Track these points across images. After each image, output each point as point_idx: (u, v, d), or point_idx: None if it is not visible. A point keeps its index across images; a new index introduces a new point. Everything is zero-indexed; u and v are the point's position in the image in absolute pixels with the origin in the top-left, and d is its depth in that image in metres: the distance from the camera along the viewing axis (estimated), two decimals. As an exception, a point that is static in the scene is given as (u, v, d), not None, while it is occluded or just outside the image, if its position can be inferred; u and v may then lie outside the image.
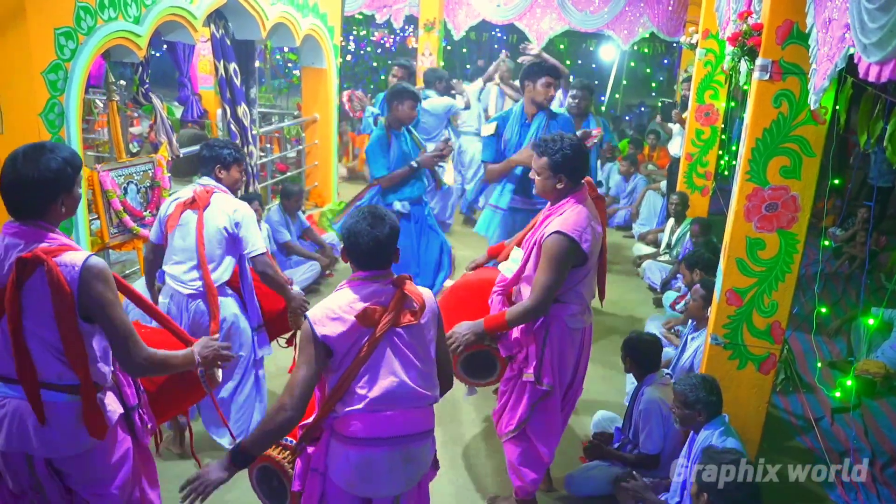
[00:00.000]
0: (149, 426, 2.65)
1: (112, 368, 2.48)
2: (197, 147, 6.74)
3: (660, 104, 10.83)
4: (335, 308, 2.45)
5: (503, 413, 3.58)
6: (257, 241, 3.70)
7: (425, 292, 2.60)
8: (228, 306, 3.76)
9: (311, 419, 2.52)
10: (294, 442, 2.56)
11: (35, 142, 2.40)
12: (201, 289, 3.67)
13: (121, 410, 2.48)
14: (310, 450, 2.52)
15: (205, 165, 3.83)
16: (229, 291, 3.80)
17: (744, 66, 3.51)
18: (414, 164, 5.10)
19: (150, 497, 2.68)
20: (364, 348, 2.43)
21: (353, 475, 2.45)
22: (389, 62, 16.88)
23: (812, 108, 2.98)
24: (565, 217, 3.22)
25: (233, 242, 3.71)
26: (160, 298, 3.82)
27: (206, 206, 3.67)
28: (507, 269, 3.51)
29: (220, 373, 2.82)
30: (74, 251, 2.30)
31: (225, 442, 3.93)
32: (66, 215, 2.39)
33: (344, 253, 2.56)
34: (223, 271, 3.72)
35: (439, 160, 5.31)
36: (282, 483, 2.62)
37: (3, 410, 2.35)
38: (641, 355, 3.94)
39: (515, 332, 3.40)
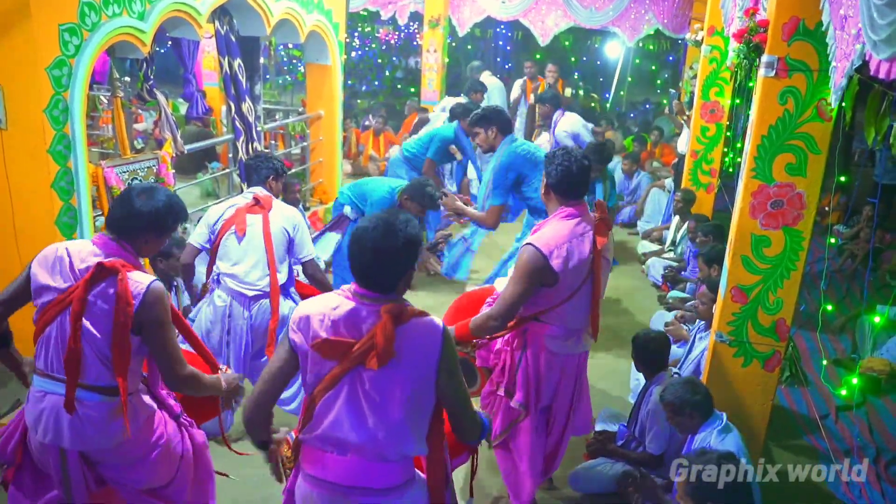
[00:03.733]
0: (194, 424, 2.94)
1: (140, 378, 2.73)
2: (200, 144, 6.79)
3: (666, 100, 10.80)
4: (312, 314, 2.18)
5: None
6: (311, 246, 4.02)
7: (429, 328, 2.17)
8: (288, 305, 3.97)
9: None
10: None
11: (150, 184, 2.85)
12: (267, 288, 3.87)
13: (154, 407, 2.73)
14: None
15: (258, 174, 4.07)
16: (288, 291, 4.04)
17: (748, 62, 3.49)
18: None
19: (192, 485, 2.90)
20: (324, 380, 2.15)
21: None
22: (394, 59, 16.89)
23: (832, 106, 2.95)
24: (544, 230, 3.15)
25: (289, 246, 3.95)
26: (217, 301, 3.95)
27: (269, 210, 3.91)
28: (501, 284, 3.49)
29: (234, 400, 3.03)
30: (143, 273, 2.59)
31: None
32: (145, 253, 2.72)
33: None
34: (284, 272, 3.96)
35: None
36: None
37: (42, 405, 2.54)
38: (650, 354, 3.94)
39: (499, 343, 3.37)
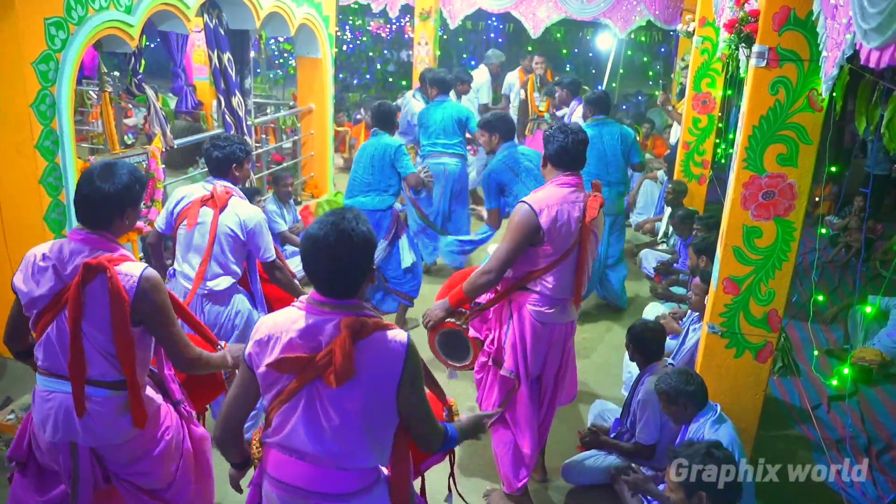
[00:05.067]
0: (194, 416, 2.93)
1: (150, 369, 2.73)
2: (190, 138, 6.74)
3: (657, 91, 10.82)
4: (272, 332, 2.12)
5: (482, 400, 3.61)
6: (269, 247, 3.76)
7: (391, 343, 2.09)
8: (242, 301, 3.81)
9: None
10: None
11: (108, 160, 2.69)
12: (216, 289, 3.68)
13: (159, 400, 2.71)
14: None
15: (219, 167, 3.73)
16: (240, 288, 3.84)
17: (740, 53, 3.48)
18: None
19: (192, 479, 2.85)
20: (282, 394, 2.11)
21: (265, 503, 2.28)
22: (385, 52, 16.83)
23: (823, 96, 2.94)
24: (539, 192, 3.36)
25: (242, 248, 3.72)
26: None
27: (223, 207, 3.63)
28: (494, 248, 3.57)
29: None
30: (132, 262, 2.52)
31: None
32: (128, 228, 2.63)
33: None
34: (235, 272, 3.75)
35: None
36: None
37: (50, 404, 2.53)
38: (646, 344, 3.93)
39: (490, 314, 3.49)
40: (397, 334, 2.12)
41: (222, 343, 2.98)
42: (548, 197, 3.29)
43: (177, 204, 3.72)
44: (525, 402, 3.45)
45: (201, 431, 2.95)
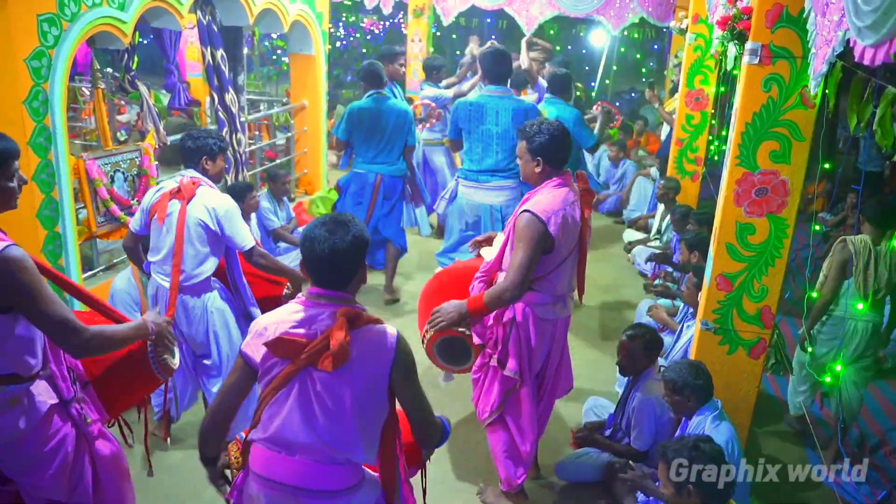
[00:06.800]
0: (89, 420, 2.56)
1: (41, 360, 2.41)
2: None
3: (647, 89, 10.84)
4: (269, 323, 2.21)
5: (479, 400, 3.58)
6: (245, 236, 3.67)
7: (382, 335, 2.19)
8: (213, 300, 3.75)
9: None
10: None
11: None
12: (185, 283, 3.63)
13: (53, 401, 2.43)
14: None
15: (190, 157, 3.75)
16: (216, 284, 3.78)
17: (732, 49, 3.49)
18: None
19: (103, 487, 2.60)
20: (276, 379, 2.14)
21: None
22: (379, 48, 16.82)
23: (812, 93, 2.95)
24: (538, 198, 3.25)
25: (215, 239, 3.66)
26: (150, 291, 3.79)
27: (190, 198, 3.61)
28: (489, 253, 3.52)
29: (175, 360, 2.79)
30: None
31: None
32: None
33: (302, 265, 2.25)
34: (207, 266, 3.68)
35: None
36: None
37: None
38: (644, 347, 3.89)
39: (490, 319, 3.43)
40: (388, 328, 2.23)
41: (139, 315, 2.74)
42: (551, 202, 3.20)
43: (149, 203, 3.71)
44: (527, 401, 3.44)
45: (108, 449, 2.63)
